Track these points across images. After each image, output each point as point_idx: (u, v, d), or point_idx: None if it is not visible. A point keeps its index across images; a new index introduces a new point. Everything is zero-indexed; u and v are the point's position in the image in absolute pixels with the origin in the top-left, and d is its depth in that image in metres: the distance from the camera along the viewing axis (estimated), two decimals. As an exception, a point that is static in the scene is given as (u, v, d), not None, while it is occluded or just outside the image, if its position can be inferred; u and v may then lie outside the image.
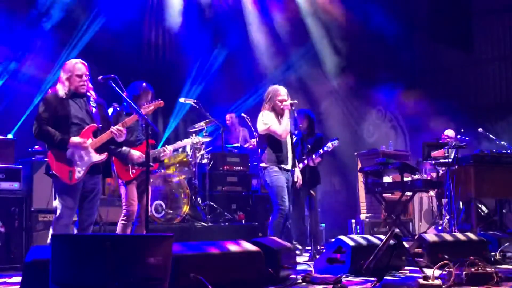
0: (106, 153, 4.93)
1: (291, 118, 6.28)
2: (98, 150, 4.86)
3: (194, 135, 7.57)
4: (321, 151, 7.42)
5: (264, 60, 11.58)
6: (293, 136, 6.53)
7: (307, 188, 7.26)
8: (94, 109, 4.92)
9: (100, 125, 4.93)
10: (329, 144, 7.51)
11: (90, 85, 4.94)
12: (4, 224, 5.96)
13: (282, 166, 6.17)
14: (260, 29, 11.55)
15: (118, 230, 5.55)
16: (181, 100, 8.46)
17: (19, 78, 8.63)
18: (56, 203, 4.84)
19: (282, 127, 6.14)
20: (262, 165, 6.24)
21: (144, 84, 5.80)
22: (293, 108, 6.26)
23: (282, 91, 6.29)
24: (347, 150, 10.00)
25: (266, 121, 6.17)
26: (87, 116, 4.88)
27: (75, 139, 4.74)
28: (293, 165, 6.39)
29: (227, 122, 10.06)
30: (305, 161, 7.15)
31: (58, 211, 4.76)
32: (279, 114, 6.21)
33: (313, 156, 7.27)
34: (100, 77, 5.08)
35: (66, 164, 4.72)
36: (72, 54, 8.90)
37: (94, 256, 3.22)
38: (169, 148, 6.30)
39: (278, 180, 6.11)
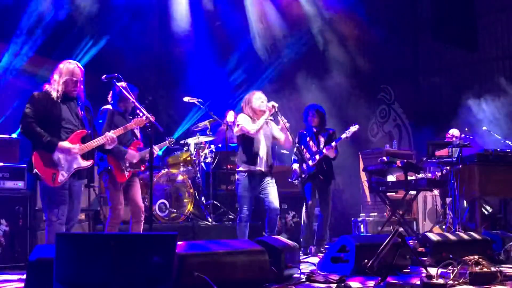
0: (92, 160, 4.92)
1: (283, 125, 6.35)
2: (85, 156, 4.84)
3: (171, 138, 7.53)
4: (343, 135, 7.37)
5: (265, 55, 11.62)
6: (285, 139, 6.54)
7: (322, 183, 7.33)
8: (82, 113, 4.90)
9: (90, 131, 4.93)
10: (351, 129, 7.45)
11: (81, 86, 4.91)
12: (9, 223, 5.98)
13: (252, 167, 6.24)
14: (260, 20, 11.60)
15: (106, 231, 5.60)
16: (185, 99, 8.46)
17: (29, 77, 8.65)
18: (44, 204, 4.81)
19: (254, 125, 6.25)
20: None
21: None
22: (276, 111, 6.30)
23: (257, 94, 6.46)
24: (351, 149, 9.99)
25: (238, 122, 6.34)
26: (77, 120, 4.86)
27: (64, 144, 4.71)
28: (269, 167, 6.37)
29: (227, 118, 9.98)
30: (323, 152, 7.28)
31: (49, 212, 4.72)
32: (258, 116, 6.31)
33: (333, 144, 7.31)
34: (104, 76, 5.12)
35: (51, 166, 4.68)
36: (83, 57, 8.95)
37: (98, 255, 3.22)
38: (156, 148, 6.38)
39: (239, 189, 6.29)
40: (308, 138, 7.48)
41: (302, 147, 7.31)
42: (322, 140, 7.52)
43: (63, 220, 4.75)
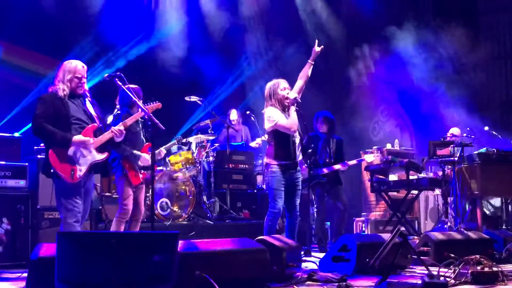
0: (107, 153, 4.99)
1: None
2: (99, 150, 4.90)
3: (178, 137, 7.52)
4: (369, 159, 7.89)
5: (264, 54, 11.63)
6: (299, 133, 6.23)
7: (332, 187, 7.60)
8: (91, 109, 4.97)
9: (101, 125, 5.00)
10: (370, 157, 7.86)
11: (86, 86, 4.98)
12: (10, 221, 5.99)
13: (287, 162, 5.94)
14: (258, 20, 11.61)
15: (113, 227, 5.63)
16: (187, 98, 8.46)
17: (33, 78, 8.68)
18: (59, 204, 4.79)
19: (290, 120, 5.89)
20: (265, 160, 6.11)
21: (135, 85, 5.82)
22: (298, 102, 5.98)
23: (282, 83, 6.07)
24: (352, 148, 9.98)
25: (272, 117, 5.92)
26: (85, 116, 4.91)
27: (78, 137, 4.77)
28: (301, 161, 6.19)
29: (231, 117, 9.97)
30: (333, 167, 7.56)
31: (66, 212, 4.72)
32: (284, 108, 5.98)
33: (344, 164, 7.63)
34: (106, 74, 5.17)
35: (68, 163, 4.72)
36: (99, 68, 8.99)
37: (99, 254, 3.22)
38: (162, 149, 6.39)
39: (274, 182, 5.95)
40: (320, 143, 7.59)
41: (313, 150, 7.30)
42: (332, 150, 7.61)
43: (79, 218, 4.77)
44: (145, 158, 5.67)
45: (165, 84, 9.95)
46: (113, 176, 6.01)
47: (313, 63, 6.05)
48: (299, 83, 6.13)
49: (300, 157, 6.11)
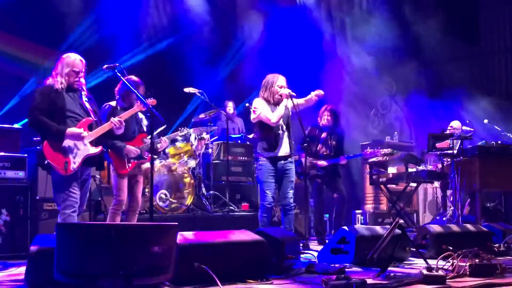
0: (101, 146, 5.01)
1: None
2: (93, 143, 4.93)
3: (183, 128, 7.50)
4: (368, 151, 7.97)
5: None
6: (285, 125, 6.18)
7: (330, 179, 7.59)
8: (86, 103, 5.00)
9: (96, 119, 5.02)
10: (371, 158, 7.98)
11: (83, 80, 5.00)
12: (9, 212, 5.99)
13: (271, 154, 5.97)
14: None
15: (108, 219, 5.67)
16: (186, 90, 8.43)
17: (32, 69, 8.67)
18: (56, 195, 4.83)
19: (274, 113, 5.93)
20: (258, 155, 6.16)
21: (136, 78, 5.80)
22: (292, 99, 5.99)
23: (280, 79, 6.08)
24: (351, 141, 9.98)
25: (256, 108, 5.98)
26: (81, 110, 4.95)
27: (73, 129, 4.81)
28: (291, 149, 6.11)
29: (227, 109, 9.91)
30: (333, 160, 7.53)
31: (62, 203, 4.76)
32: (276, 103, 6.01)
33: (344, 158, 7.65)
34: (105, 66, 5.18)
35: (61, 155, 4.76)
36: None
37: (99, 245, 3.22)
38: (164, 139, 6.38)
39: (262, 175, 5.99)
40: (322, 135, 7.59)
41: (310, 142, 7.31)
42: (333, 143, 7.61)
43: (76, 208, 4.81)
44: (130, 149, 5.60)
45: (163, 76, 9.96)
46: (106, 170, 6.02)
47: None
48: (301, 101, 6.18)
49: (287, 150, 6.05)
